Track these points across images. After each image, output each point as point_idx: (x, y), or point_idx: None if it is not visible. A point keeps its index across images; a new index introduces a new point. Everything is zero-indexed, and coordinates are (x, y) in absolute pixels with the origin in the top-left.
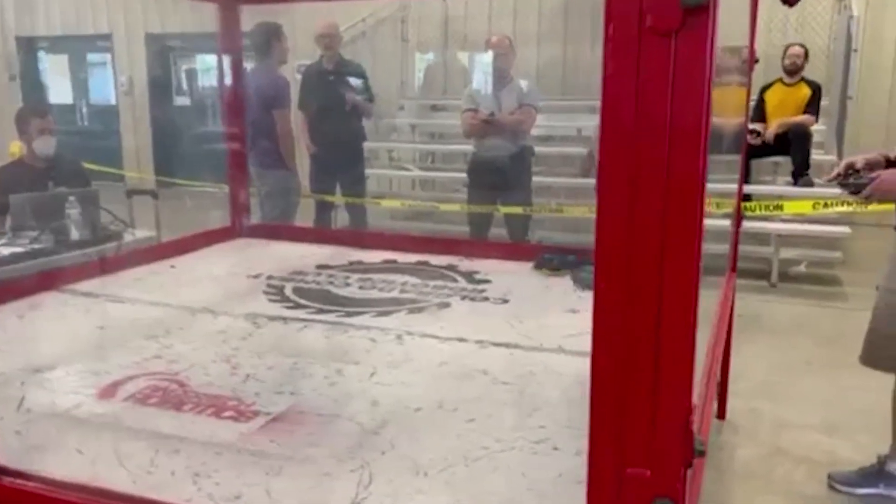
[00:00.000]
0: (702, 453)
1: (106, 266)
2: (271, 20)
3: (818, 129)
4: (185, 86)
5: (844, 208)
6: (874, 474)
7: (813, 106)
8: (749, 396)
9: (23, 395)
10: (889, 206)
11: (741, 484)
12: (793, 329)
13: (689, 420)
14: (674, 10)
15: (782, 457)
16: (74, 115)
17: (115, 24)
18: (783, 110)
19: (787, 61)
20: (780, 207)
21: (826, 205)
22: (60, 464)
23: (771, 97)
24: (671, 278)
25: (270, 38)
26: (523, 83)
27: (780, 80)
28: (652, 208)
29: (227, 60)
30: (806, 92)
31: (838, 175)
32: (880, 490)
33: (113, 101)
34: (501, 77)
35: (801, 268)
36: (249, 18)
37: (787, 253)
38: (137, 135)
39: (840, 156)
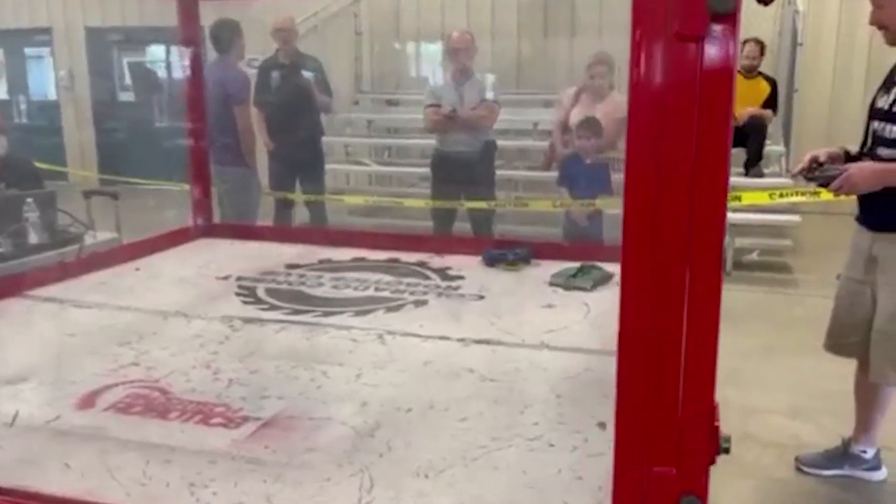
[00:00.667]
0: (727, 450)
1: (68, 270)
2: (224, 16)
3: None
4: (127, 81)
5: (799, 199)
6: (839, 456)
7: (772, 101)
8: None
9: (16, 410)
10: (842, 197)
11: (713, 470)
12: (750, 316)
13: (713, 417)
14: (701, 15)
15: (751, 442)
16: (11, 111)
17: (54, 17)
18: (743, 103)
19: (744, 61)
20: (738, 198)
21: (782, 195)
22: (49, 479)
23: None
24: (696, 276)
25: (232, 34)
26: (488, 77)
27: (739, 72)
28: (677, 211)
29: (186, 56)
30: (764, 87)
31: (804, 168)
32: (845, 471)
33: (53, 97)
34: (463, 72)
35: (754, 256)
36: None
37: (740, 242)
38: (80, 131)
39: (787, 147)
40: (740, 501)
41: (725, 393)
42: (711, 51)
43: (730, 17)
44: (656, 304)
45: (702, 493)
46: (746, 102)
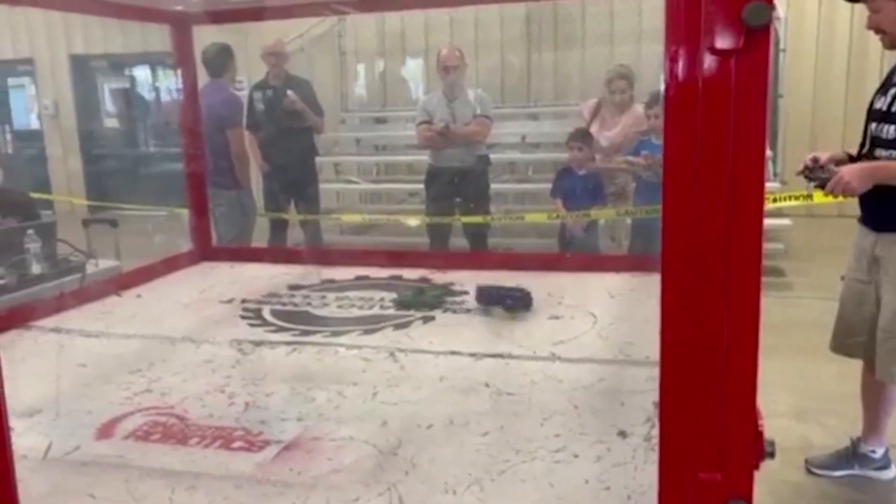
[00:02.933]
0: (772, 455)
1: (71, 299)
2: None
3: None
4: (113, 107)
5: (790, 203)
6: (848, 457)
7: None
8: None
9: (49, 442)
10: (840, 199)
11: None
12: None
13: (757, 421)
14: (736, 29)
15: None
16: None
17: (37, 47)
18: None
19: None
20: None
21: (774, 200)
22: None
23: None
24: (736, 283)
25: (224, 57)
26: (479, 93)
27: None
28: (716, 219)
29: (180, 81)
30: None
31: (805, 168)
32: (855, 471)
33: (36, 126)
34: (454, 88)
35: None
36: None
37: None
38: (67, 159)
39: (774, 150)
40: None
41: None
42: (747, 64)
43: (764, 30)
44: (697, 311)
45: (748, 498)
46: None
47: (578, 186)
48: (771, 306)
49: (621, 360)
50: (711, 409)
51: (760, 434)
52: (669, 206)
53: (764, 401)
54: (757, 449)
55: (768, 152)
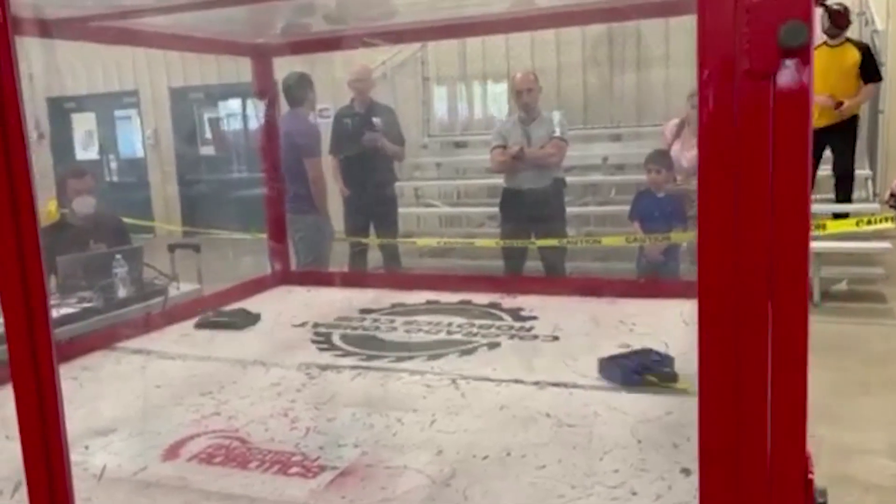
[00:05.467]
0: None
1: (153, 322)
2: (295, 69)
3: None
4: (209, 135)
5: (887, 225)
6: None
7: (867, 70)
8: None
9: (104, 464)
10: None
11: None
12: (841, 349)
13: (807, 468)
14: (771, 51)
15: (849, 484)
16: (102, 170)
17: (141, 80)
18: (827, 77)
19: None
20: (822, 227)
21: (870, 222)
22: None
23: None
24: (780, 312)
25: (304, 87)
26: (555, 115)
27: (824, 42)
28: (757, 251)
29: (261, 110)
30: (854, 55)
31: (892, 196)
32: None
33: (140, 154)
34: (529, 111)
35: (843, 285)
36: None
37: (827, 271)
38: (165, 186)
39: (874, 169)
40: None
41: (818, 432)
42: (784, 87)
43: (803, 50)
44: (737, 344)
45: None
46: (829, 75)
47: (657, 209)
48: (868, 335)
49: (692, 393)
50: (755, 453)
51: (810, 482)
52: (706, 235)
53: (857, 437)
54: (807, 499)
55: (866, 171)
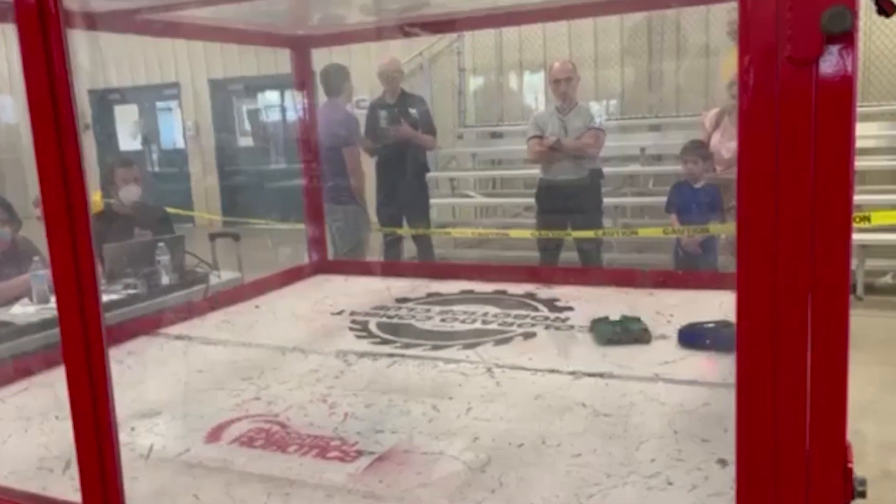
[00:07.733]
0: (862, 494)
1: (195, 309)
2: (332, 61)
3: None
4: (247, 126)
5: None
6: None
7: None
8: (850, 417)
9: (150, 444)
10: None
11: None
12: (887, 344)
13: (846, 457)
14: (814, 37)
15: (893, 481)
16: (144, 161)
17: (182, 72)
18: None
19: None
20: (867, 218)
21: None
22: None
23: None
24: (820, 304)
25: (341, 78)
26: (591, 105)
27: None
28: (798, 242)
29: (299, 101)
30: None
31: None
32: None
33: (181, 145)
34: (566, 101)
35: (888, 279)
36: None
37: (872, 264)
38: (205, 176)
39: None
40: None
41: (861, 427)
42: (827, 74)
43: (847, 36)
44: (777, 335)
45: None
46: None
47: (694, 200)
48: None
49: (728, 384)
50: (794, 442)
51: (850, 471)
52: (745, 227)
53: None
54: (846, 488)
55: None
